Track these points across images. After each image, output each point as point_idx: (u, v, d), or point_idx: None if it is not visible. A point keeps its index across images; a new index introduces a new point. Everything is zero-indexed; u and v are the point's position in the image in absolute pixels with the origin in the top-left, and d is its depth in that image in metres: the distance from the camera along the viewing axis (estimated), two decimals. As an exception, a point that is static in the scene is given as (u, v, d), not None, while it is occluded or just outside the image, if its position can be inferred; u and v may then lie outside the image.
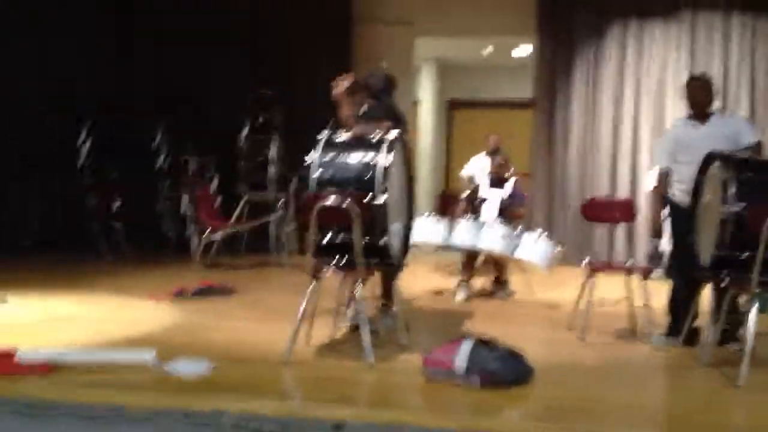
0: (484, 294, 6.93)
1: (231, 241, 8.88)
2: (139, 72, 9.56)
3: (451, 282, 7.12)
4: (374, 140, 4.58)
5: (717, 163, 4.42)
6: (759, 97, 8.95)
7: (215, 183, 9.10)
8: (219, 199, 8.87)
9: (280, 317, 5.16)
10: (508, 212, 6.87)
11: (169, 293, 6.15)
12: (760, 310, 4.22)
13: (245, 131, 9.26)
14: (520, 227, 6.44)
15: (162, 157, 9.25)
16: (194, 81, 9.37)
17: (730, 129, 4.87)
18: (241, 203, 8.41)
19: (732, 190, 4.18)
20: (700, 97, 4.95)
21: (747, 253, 4.05)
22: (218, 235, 8.23)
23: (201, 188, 8.46)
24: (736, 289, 4.29)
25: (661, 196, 5.10)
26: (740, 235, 4.10)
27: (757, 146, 4.83)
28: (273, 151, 9.09)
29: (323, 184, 4.46)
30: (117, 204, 8.75)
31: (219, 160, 9.39)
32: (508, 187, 6.95)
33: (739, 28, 8.96)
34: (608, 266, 5.94)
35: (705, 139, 4.78)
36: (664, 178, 5.04)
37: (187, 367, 3.93)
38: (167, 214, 9.16)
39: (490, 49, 11.72)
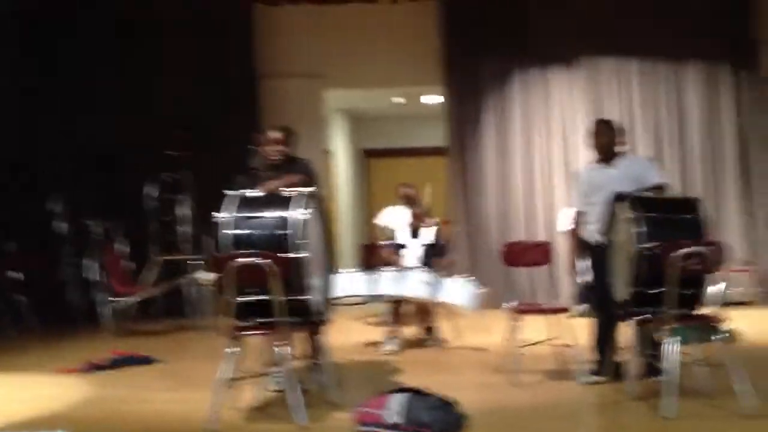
0: (414, 343, 6.86)
1: (145, 306, 8.58)
2: (44, 135, 9.23)
3: (380, 333, 7.03)
4: (289, 195, 4.52)
5: (626, 203, 4.56)
6: (664, 140, 9.32)
7: (124, 247, 8.81)
8: (129, 264, 8.56)
9: (201, 385, 4.97)
10: (433, 261, 6.85)
11: (80, 366, 5.86)
12: (682, 342, 4.31)
13: (154, 192, 9.04)
14: (442, 273, 6.44)
15: (62, 223, 8.88)
16: (99, 141, 9.14)
17: (637, 170, 5.04)
18: (153, 266, 8.13)
19: (642, 228, 4.30)
20: (604, 141, 5.10)
21: (657, 290, 4.14)
22: (130, 301, 7.93)
23: (109, 253, 8.15)
24: (654, 324, 4.37)
25: (576, 236, 5.19)
26: (653, 271, 4.21)
27: (662, 188, 5.02)
28: (184, 211, 8.90)
29: (238, 242, 4.36)
30: (18, 276, 8.33)
31: (127, 223, 9.12)
32: (429, 235, 6.94)
33: (638, 74, 9.33)
34: (532, 308, 5.97)
35: (614, 181, 4.93)
36: (579, 218, 5.14)
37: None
38: (72, 282, 8.78)
39: (401, 100, 11.87)
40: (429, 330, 6.80)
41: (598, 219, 4.95)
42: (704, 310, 4.73)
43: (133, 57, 9.51)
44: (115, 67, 9.42)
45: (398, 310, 6.72)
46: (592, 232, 5.04)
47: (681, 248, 4.11)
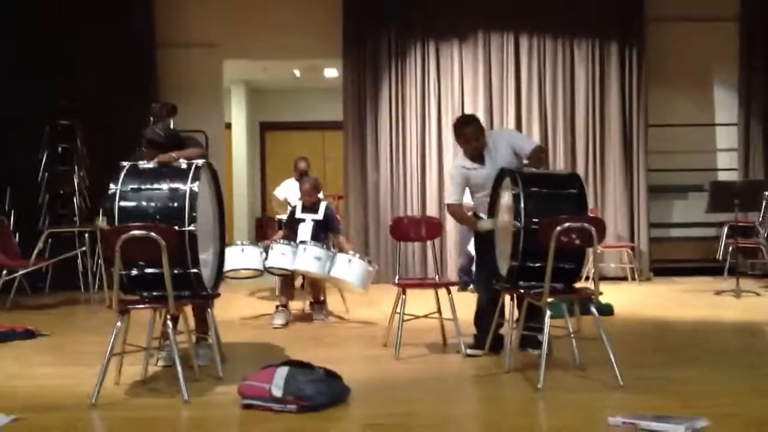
0: (302, 317, 6.96)
1: (33, 279, 8.36)
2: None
3: (268, 307, 7.08)
4: (181, 167, 4.50)
5: (507, 180, 4.70)
6: (549, 115, 9.63)
7: (13, 219, 8.53)
8: (17, 236, 8.30)
9: (88, 359, 4.94)
10: (325, 236, 6.92)
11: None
12: (554, 316, 4.53)
13: (44, 162, 8.77)
14: (333, 248, 6.53)
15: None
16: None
17: (507, 155, 5.05)
18: (42, 239, 7.92)
19: (521, 204, 4.46)
20: (475, 140, 5.09)
21: (539, 264, 4.32)
22: (18, 275, 7.70)
23: (-3, 224, 7.89)
24: (531, 297, 4.57)
25: (460, 205, 5.28)
26: (532, 245, 4.38)
27: (539, 149, 5.14)
28: (76, 182, 8.69)
29: (128, 214, 4.32)
30: None
31: (17, 193, 8.84)
32: (321, 211, 7.02)
33: (529, 49, 9.61)
34: (417, 282, 6.14)
35: (489, 179, 4.99)
36: (459, 206, 5.27)
37: (-18, 422, 3.66)
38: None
39: (297, 73, 11.83)
40: (318, 304, 6.90)
41: (483, 207, 5.11)
42: (582, 285, 4.99)
43: (30, 23, 9.18)
44: (9, 33, 9.07)
45: (288, 284, 6.79)
46: (478, 209, 5.20)
47: (561, 223, 4.22)
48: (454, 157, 9.08)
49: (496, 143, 5.16)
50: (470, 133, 5.12)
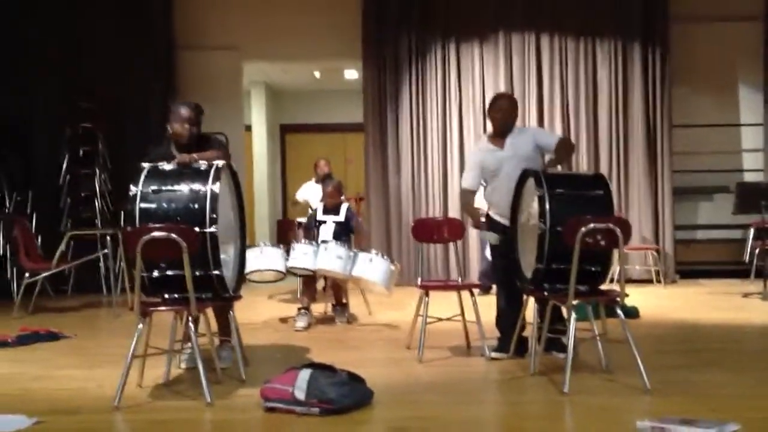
0: (325, 320, 6.93)
1: (56, 282, 8.40)
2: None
3: (290, 310, 7.06)
4: (201, 168, 4.48)
5: (531, 181, 4.65)
6: (571, 116, 9.55)
7: (35, 221, 8.59)
8: (39, 239, 8.34)
9: (111, 361, 4.94)
10: (347, 238, 6.89)
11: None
12: (579, 319, 4.47)
13: (65, 165, 8.82)
14: (354, 248, 6.49)
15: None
16: (9, 113, 8.85)
17: (528, 145, 5.02)
18: (64, 241, 7.95)
19: (547, 205, 4.40)
20: (508, 117, 5.09)
21: (563, 266, 4.26)
22: (41, 277, 7.74)
23: (20, 227, 7.93)
24: (556, 300, 4.50)
25: (472, 193, 5.25)
26: (557, 248, 4.32)
27: (564, 142, 5.10)
28: (98, 185, 8.73)
29: (149, 216, 4.31)
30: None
31: (38, 196, 8.90)
32: (342, 213, 6.99)
33: (551, 49, 9.54)
34: (440, 285, 6.09)
35: (506, 162, 4.97)
36: (471, 195, 5.24)
37: (4, 424, 3.64)
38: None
39: (317, 75, 11.83)
40: (340, 306, 6.87)
41: (498, 203, 5.05)
42: (607, 287, 4.93)
43: (49, 25, 9.25)
44: (29, 34, 9.14)
45: (310, 286, 6.76)
46: (495, 215, 5.12)
47: (586, 224, 4.16)
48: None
49: (521, 133, 5.16)
50: (505, 104, 5.14)
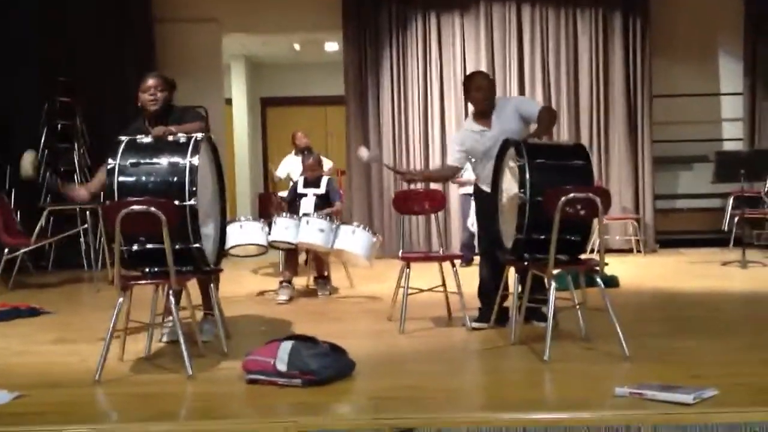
0: (307, 292, 6.94)
1: (36, 258, 8.34)
2: None
3: (272, 283, 7.06)
4: (180, 141, 4.43)
5: (511, 150, 4.64)
6: (552, 85, 9.55)
7: (13, 197, 8.50)
8: (18, 214, 8.27)
9: (92, 336, 4.93)
10: (325, 209, 6.88)
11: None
12: (560, 288, 4.50)
13: (43, 139, 8.73)
14: (336, 220, 6.49)
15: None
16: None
17: (514, 119, 4.98)
18: (43, 216, 7.88)
19: (527, 175, 4.40)
20: (489, 93, 5.03)
21: (544, 236, 4.27)
22: (20, 253, 7.68)
23: (-2, 202, 7.84)
24: (536, 269, 4.53)
25: (456, 169, 5.27)
26: (537, 217, 4.33)
27: (547, 110, 5.07)
28: (76, 159, 8.65)
29: (128, 189, 4.27)
30: None
31: (16, 171, 8.80)
32: (323, 185, 6.97)
33: (532, 20, 9.50)
34: (422, 256, 6.12)
35: (495, 142, 4.90)
36: (455, 170, 5.25)
37: (-14, 399, 3.64)
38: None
39: (297, 47, 11.74)
40: (322, 279, 6.87)
41: (486, 179, 5.02)
42: (587, 256, 4.95)
43: (27, 0, 9.10)
44: (7, 11, 8.99)
45: (292, 259, 6.76)
46: (484, 186, 5.11)
47: (566, 193, 4.16)
48: (457, 128, 8.99)
49: (504, 107, 5.08)
50: (484, 82, 5.07)
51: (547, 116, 4.93)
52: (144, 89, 4.75)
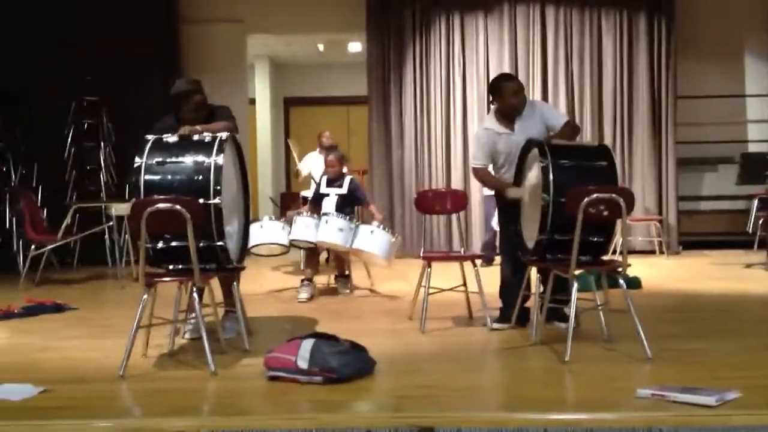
0: (328, 291, 6.97)
1: (61, 254, 8.45)
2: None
3: (294, 282, 7.10)
4: (205, 140, 4.48)
5: (535, 151, 4.63)
6: (576, 86, 9.51)
7: (40, 194, 8.63)
8: (44, 211, 8.39)
9: (115, 332, 4.98)
10: (351, 210, 6.89)
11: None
12: (582, 289, 4.48)
13: (70, 138, 8.84)
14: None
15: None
16: (13, 86, 8.85)
17: (538, 124, 4.97)
18: (69, 214, 7.98)
19: (550, 176, 4.39)
20: (515, 96, 4.99)
21: (567, 237, 4.26)
22: (46, 249, 7.78)
23: (26, 200, 7.95)
24: (558, 270, 4.51)
25: (486, 168, 5.16)
26: (560, 218, 4.32)
27: (570, 125, 5.04)
28: (102, 158, 8.75)
29: (153, 188, 4.32)
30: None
31: (43, 170, 8.93)
32: (345, 184, 7.00)
33: (556, 21, 9.48)
34: (443, 255, 6.12)
35: (519, 147, 4.89)
36: (485, 170, 5.16)
37: (12, 392, 3.69)
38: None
39: (320, 48, 11.78)
40: (343, 278, 6.90)
41: (507, 180, 5.01)
42: (610, 257, 4.93)
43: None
44: (33, 10, 9.11)
45: (313, 258, 6.79)
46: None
47: (589, 194, 4.15)
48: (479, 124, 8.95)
49: (530, 113, 5.04)
50: (512, 88, 5.01)
51: (569, 132, 4.92)
52: (187, 104, 4.82)
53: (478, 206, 9.21)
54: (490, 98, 5.15)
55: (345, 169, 7.16)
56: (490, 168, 5.20)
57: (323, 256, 7.28)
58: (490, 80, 5.40)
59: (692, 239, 9.69)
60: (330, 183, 7.03)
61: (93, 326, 5.58)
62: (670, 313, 5.83)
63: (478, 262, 5.63)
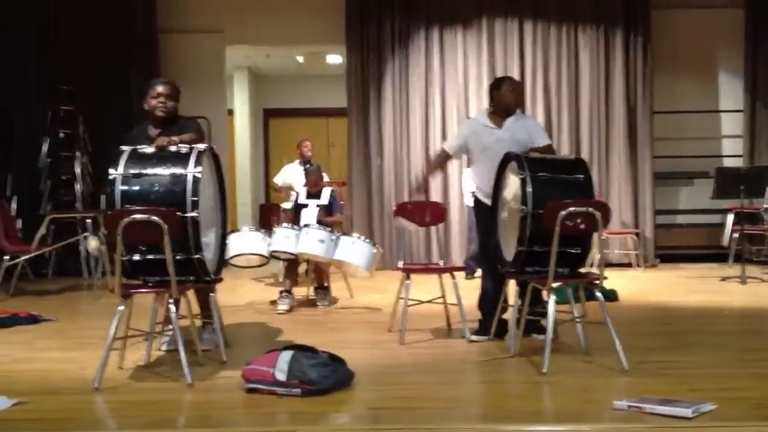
0: (307, 303, 6.94)
1: (36, 265, 8.36)
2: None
3: (273, 293, 7.07)
4: (183, 152, 4.46)
5: (513, 164, 4.67)
6: (553, 100, 9.59)
7: (15, 204, 8.53)
8: (19, 221, 8.29)
9: (91, 344, 4.93)
10: (325, 221, 6.90)
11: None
12: (559, 301, 4.51)
13: (46, 147, 8.76)
14: (337, 231, 6.51)
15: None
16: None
17: (524, 133, 5.07)
18: (44, 224, 7.90)
19: (528, 188, 4.43)
20: (520, 99, 5.19)
21: (545, 249, 4.29)
22: (21, 260, 7.69)
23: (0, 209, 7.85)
24: (536, 282, 4.54)
25: (447, 157, 5.34)
26: (539, 230, 4.34)
27: (549, 148, 5.14)
28: (78, 168, 8.69)
29: (130, 199, 4.29)
30: None
31: (18, 179, 8.84)
32: (325, 196, 7.00)
33: (533, 35, 9.55)
34: (422, 267, 6.13)
35: (500, 143, 4.99)
36: (445, 156, 5.31)
37: (-15, 405, 3.64)
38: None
39: (300, 59, 11.79)
40: (322, 289, 6.89)
41: (483, 182, 5.06)
42: (587, 270, 4.96)
43: (30, 8, 9.16)
44: (10, 18, 9.05)
45: (292, 269, 6.77)
46: (480, 195, 5.15)
47: (565, 207, 4.19)
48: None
49: (521, 119, 5.22)
50: (520, 88, 5.18)
51: (546, 153, 5.00)
52: (154, 95, 4.79)
53: (458, 218, 9.24)
54: (490, 95, 5.27)
55: (326, 177, 7.17)
56: (467, 178, 5.27)
57: (303, 267, 7.26)
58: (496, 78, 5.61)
59: (668, 252, 9.77)
60: (310, 195, 7.02)
61: (68, 338, 5.52)
62: (646, 326, 5.88)
63: (458, 274, 5.64)
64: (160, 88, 4.81)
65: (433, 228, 6.00)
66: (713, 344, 5.08)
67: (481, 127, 5.16)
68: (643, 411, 3.40)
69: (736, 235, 8.68)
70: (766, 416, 3.40)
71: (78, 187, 8.84)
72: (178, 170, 4.35)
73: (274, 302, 6.66)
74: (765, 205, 8.04)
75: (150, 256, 4.29)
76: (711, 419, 3.32)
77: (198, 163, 4.36)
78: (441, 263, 6.00)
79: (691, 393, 3.72)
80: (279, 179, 8.70)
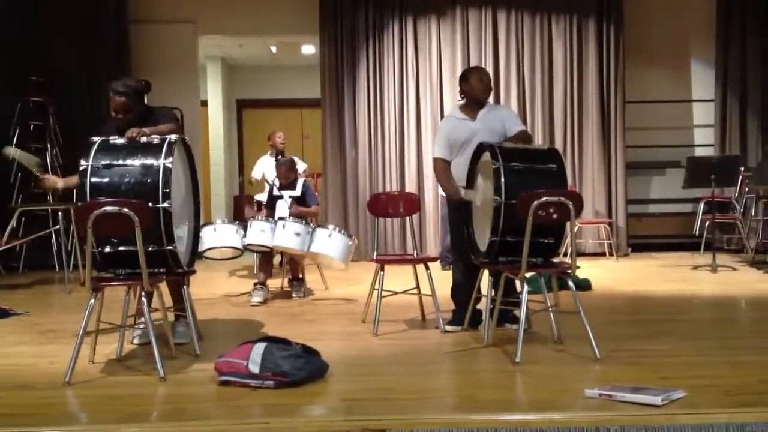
0: (281, 295, 6.92)
1: (7, 259, 8.26)
2: None
3: (247, 285, 7.04)
4: (154, 143, 4.41)
5: (487, 154, 4.67)
6: (527, 90, 9.61)
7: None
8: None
9: (63, 337, 4.90)
10: (300, 212, 6.88)
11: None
12: (532, 291, 4.53)
13: (15, 139, 8.64)
14: (312, 223, 6.49)
15: None
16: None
17: (498, 123, 5.08)
18: (14, 217, 7.80)
19: (502, 178, 4.43)
20: (488, 89, 5.12)
21: (518, 239, 4.31)
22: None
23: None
24: (509, 272, 4.56)
25: (445, 162, 5.15)
26: (512, 220, 4.36)
27: (525, 133, 5.11)
28: (49, 160, 8.57)
29: (100, 190, 4.25)
30: None
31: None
32: (298, 187, 6.97)
33: (505, 24, 9.57)
34: (396, 259, 6.13)
35: (476, 135, 4.99)
36: (446, 166, 5.17)
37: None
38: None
39: (273, 50, 11.72)
40: (296, 281, 6.87)
41: (459, 173, 5.03)
42: (559, 259, 4.98)
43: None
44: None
45: (267, 261, 6.74)
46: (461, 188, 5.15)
47: (538, 197, 4.20)
48: (434, 130, 9.00)
49: (494, 109, 5.22)
50: (487, 77, 5.15)
51: (523, 139, 4.99)
52: (112, 106, 4.70)
53: (432, 209, 9.25)
54: (460, 89, 5.24)
55: (301, 168, 7.14)
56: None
57: (277, 259, 7.24)
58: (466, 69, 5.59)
59: (641, 242, 9.86)
60: (283, 186, 6.99)
61: (39, 332, 5.46)
62: (619, 315, 5.93)
63: (432, 264, 5.64)
64: (114, 101, 4.68)
65: (407, 219, 5.98)
66: (685, 333, 5.14)
67: (456, 121, 5.15)
68: (614, 399, 3.43)
69: (707, 223, 8.77)
70: (736, 403, 3.44)
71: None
72: (149, 161, 4.31)
73: (242, 295, 6.62)
74: (735, 194, 8.13)
75: (122, 248, 4.25)
76: (681, 406, 3.36)
77: (169, 153, 4.32)
78: (415, 254, 5.99)
79: (662, 381, 3.76)
80: (256, 173, 8.66)
